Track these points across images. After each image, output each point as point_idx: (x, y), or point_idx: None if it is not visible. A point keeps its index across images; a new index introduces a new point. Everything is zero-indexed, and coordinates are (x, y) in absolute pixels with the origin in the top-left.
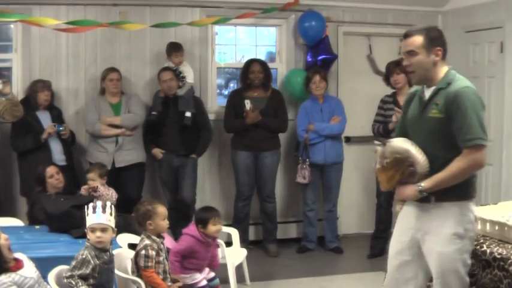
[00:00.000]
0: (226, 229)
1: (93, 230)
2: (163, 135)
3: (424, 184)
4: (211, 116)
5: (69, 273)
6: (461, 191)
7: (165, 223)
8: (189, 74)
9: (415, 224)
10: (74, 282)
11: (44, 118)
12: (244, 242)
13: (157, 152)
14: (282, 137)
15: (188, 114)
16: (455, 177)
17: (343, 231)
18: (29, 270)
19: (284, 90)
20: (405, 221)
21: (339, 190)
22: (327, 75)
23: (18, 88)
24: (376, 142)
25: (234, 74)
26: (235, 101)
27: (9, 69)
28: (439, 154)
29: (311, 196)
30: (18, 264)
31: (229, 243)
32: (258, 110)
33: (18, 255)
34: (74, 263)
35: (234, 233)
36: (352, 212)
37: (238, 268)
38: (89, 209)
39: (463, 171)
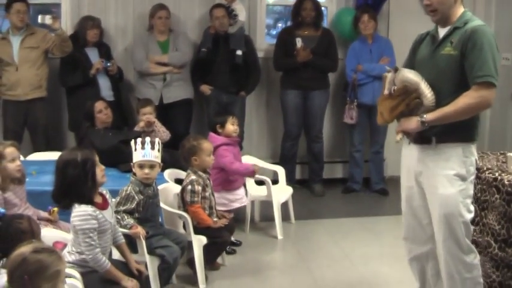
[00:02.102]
0: (272, 167)
1: (141, 166)
2: (213, 72)
3: (427, 116)
4: (259, 54)
5: (114, 209)
6: (463, 132)
7: (211, 159)
8: (241, 12)
9: (417, 167)
10: (119, 217)
11: (92, 54)
12: (291, 181)
13: (206, 88)
14: (331, 77)
15: (239, 52)
16: (460, 113)
17: (389, 173)
18: (110, 214)
19: (333, 30)
20: (408, 164)
21: (386, 132)
22: (376, 14)
23: (66, 24)
24: (387, 68)
25: (282, 13)
26: (285, 39)
27: (58, 5)
28: (448, 93)
29: (358, 137)
30: (104, 204)
31: (275, 182)
32: (309, 49)
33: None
34: (118, 199)
35: (281, 171)
36: (399, 153)
37: (284, 206)
38: (137, 144)
39: (469, 108)
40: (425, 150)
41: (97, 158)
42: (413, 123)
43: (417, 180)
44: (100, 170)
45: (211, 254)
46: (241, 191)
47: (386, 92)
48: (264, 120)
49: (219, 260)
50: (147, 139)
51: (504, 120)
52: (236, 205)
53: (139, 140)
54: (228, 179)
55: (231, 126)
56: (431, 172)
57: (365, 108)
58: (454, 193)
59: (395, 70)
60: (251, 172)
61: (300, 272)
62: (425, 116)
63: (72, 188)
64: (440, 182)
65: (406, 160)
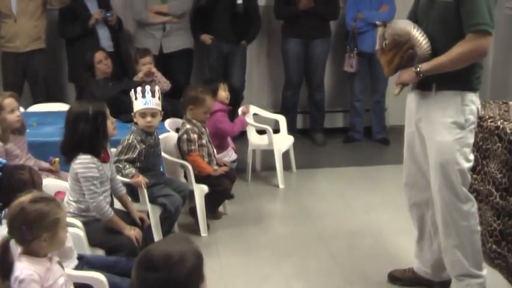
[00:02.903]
0: (273, 116)
1: (143, 114)
2: (213, 21)
3: (422, 66)
4: (260, 3)
5: (116, 158)
6: (464, 80)
7: (205, 117)
8: None
9: (417, 113)
10: (121, 166)
11: (91, 5)
12: (292, 130)
13: (207, 37)
14: (332, 25)
15: (239, 1)
16: (455, 61)
17: (390, 122)
18: (109, 167)
19: None
20: (410, 110)
21: (387, 81)
22: None
23: None
24: (378, 23)
25: None
26: None
27: None
28: (446, 43)
29: (358, 86)
30: (106, 157)
31: (276, 131)
32: None
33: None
34: (120, 148)
35: (282, 120)
36: (400, 103)
37: (285, 155)
38: (137, 93)
39: (463, 56)
40: (425, 96)
41: (108, 111)
42: (408, 74)
43: (417, 126)
44: (111, 122)
45: (212, 203)
46: (229, 149)
47: (378, 47)
48: (264, 69)
49: (220, 209)
50: (147, 87)
51: (506, 69)
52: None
53: (139, 88)
54: (221, 144)
55: (223, 93)
56: (430, 119)
57: (365, 57)
58: (450, 141)
59: (385, 24)
60: (245, 123)
61: (301, 221)
62: (420, 66)
63: (82, 140)
64: (438, 129)
65: (409, 106)
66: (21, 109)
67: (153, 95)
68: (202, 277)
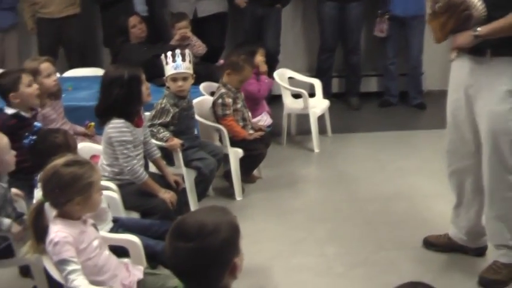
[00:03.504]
0: (309, 79)
1: (174, 79)
2: None
3: (481, 29)
4: None
5: (150, 122)
6: None
7: (240, 85)
8: None
9: (468, 79)
10: (155, 130)
11: None
12: (327, 94)
13: (241, 1)
14: None
15: None
16: None
17: (427, 86)
18: (141, 132)
19: None
20: (458, 76)
21: (423, 44)
22: None
23: None
24: None
25: None
26: None
27: None
28: (501, 4)
29: (391, 50)
30: (139, 122)
31: (311, 95)
32: None
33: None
34: (153, 112)
35: (317, 84)
36: (437, 67)
37: (320, 119)
38: (167, 58)
39: None
40: (479, 62)
41: (143, 76)
42: (464, 37)
43: (466, 93)
44: (146, 88)
45: (247, 167)
46: (264, 113)
47: (429, 10)
48: (300, 33)
49: (255, 172)
50: (177, 51)
51: None
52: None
53: (169, 53)
54: (254, 107)
55: (260, 57)
56: (483, 86)
57: (397, 21)
58: (504, 110)
59: None
60: (271, 82)
61: (335, 185)
62: (478, 29)
63: (117, 105)
64: (491, 97)
65: (456, 72)
66: (57, 74)
67: (184, 59)
68: (238, 251)
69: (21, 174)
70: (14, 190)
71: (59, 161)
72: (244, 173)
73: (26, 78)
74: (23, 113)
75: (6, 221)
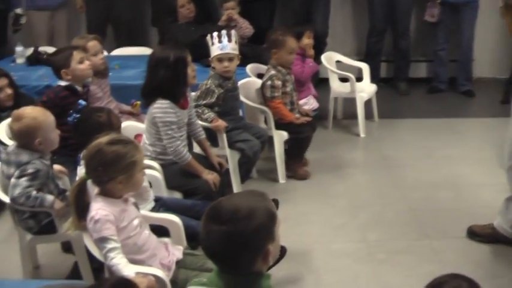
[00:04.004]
0: (357, 63)
1: (220, 59)
2: None
3: None
4: None
5: (195, 103)
6: None
7: (291, 58)
8: None
9: None
10: (200, 111)
11: None
12: (375, 78)
13: None
14: None
15: None
16: None
17: (477, 74)
18: (186, 114)
19: None
20: None
21: (474, 30)
22: None
23: None
24: None
25: None
26: None
27: None
28: None
29: (442, 35)
30: (185, 103)
31: (359, 79)
32: None
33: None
34: (198, 93)
35: (365, 68)
36: (487, 54)
37: (367, 104)
38: (213, 38)
39: None
40: None
41: (189, 58)
42: None
43: None
44: (191, 70)
45: (295, 151)
46: (310, 97)
47: (501, 4)
48: (349, 15)
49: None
50: (223, 32)
51: None
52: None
53: (215, 34)
54: (299, 89)
55: (307, 40)
56: None
57: (449, 6)
58: None
59: None
60: (316, 67)
61: (380, 171)
62: None
63: (162, 86)
64: None
65: None
66: (104, 53)
67: (230, 40)
68: (272, 238)
69: (66, 151)
70: (57, 167)
71: (103, 139)
72: (292, 160)
73: (77, 55)
74: (76, 87)
75: (49, 197)
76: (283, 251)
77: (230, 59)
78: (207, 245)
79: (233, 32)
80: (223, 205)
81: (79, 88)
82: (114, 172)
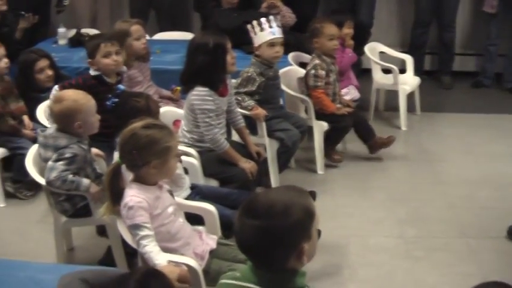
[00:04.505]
0: (400, 55)
1: (272, 44)
2: None
3: None
4: None
5: (235, 90)
6: None
7: (332, 44)
8: None
9: None
10: (240, 98)
11: None
12: (418, 71)
13: None
14: None
15: None
16: None
17: None
18: (225, 102)
19: None
20: None
21: None
22: None
23: None
24: None
25: None
26: None
27: None
28: None
29: (495, 29)
30: (224, 91)
31: (402, 71)
32: None
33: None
34: (239, 80)
35: (409, 60)
36: None
37: (410, 97)
38: (262, 24)
39: None
40: None
41: (229, 45)
42: None
43: None
44: (231, 57)
45: (331, 140)
46: (351, 87)
47: None
48: (394, 6)
49: (340, 147)
50: (272, 17)
51: None
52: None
53: (263, 19)
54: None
55: (347, 30)
56: None
57: None
58: None
59: None
60: (355, 57)
61: (421, 166)
62: None
63: (200, 72)
64: None
65: None
66: (147, 36)
67: (278, 25)
68: (308, 236)
69: (103, 137)
70: (95, 150)
71: (138, 123)
72: (328, 146)
73: (104, 49)
74: (105, 77)
75: (85, 181)
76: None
77: (281, 44)
78: (240, 239)
79: (278, 16)
80: (259, 199)
81: (108, 80)
82: (148, 156)
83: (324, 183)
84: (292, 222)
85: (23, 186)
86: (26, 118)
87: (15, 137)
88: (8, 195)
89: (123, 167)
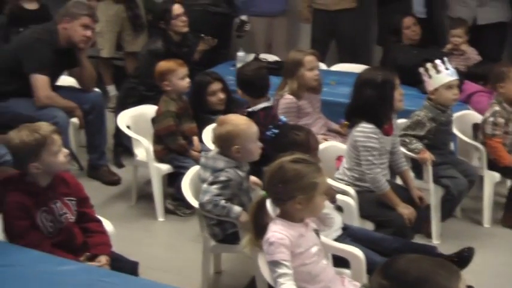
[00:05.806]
0: None
1: (450, 86)
2: None
3: None
4: None
5: (403, 132)
6: None
7: None
8: None
9: None
10: (407, 140)
11: None
12: None
13: None
14: None
15: None
16: None
17: None
18: (390, 142)
19: None
20: None
21: None
22: None
23: None
24: None
25: None
26: None
27: None
28: None
29: None
30: (389, 130)
31: None
32: None
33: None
34: (408, 123)
35: None
36: None
37: None
38: (438, 67)
39: None
40: None
41: (397, 81)
42: None
43: None
44: (399, 93)
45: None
46: None
47: None
48: None
49: None
50: (446, 59)
51: None
52: None
53: (438, 61)
54: None
55: None
56: None
57: None
58: None
59: None
60: None
61: None
62: None
63: (366, 107)
64: None
65: None
66: (324, 66)
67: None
68: None
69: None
70: (253, 178)
71: (287, 157)
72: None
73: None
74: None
75: (237, 208)
76: None
77: (458, 87)
78: None
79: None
80: (398, 261)
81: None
82: (293, 191)
83: (489, 237)
84: None
85: (182, 204)
86: (195, 139)
87: (182, 156)
88: (168, 211)
89: (268, 202)
